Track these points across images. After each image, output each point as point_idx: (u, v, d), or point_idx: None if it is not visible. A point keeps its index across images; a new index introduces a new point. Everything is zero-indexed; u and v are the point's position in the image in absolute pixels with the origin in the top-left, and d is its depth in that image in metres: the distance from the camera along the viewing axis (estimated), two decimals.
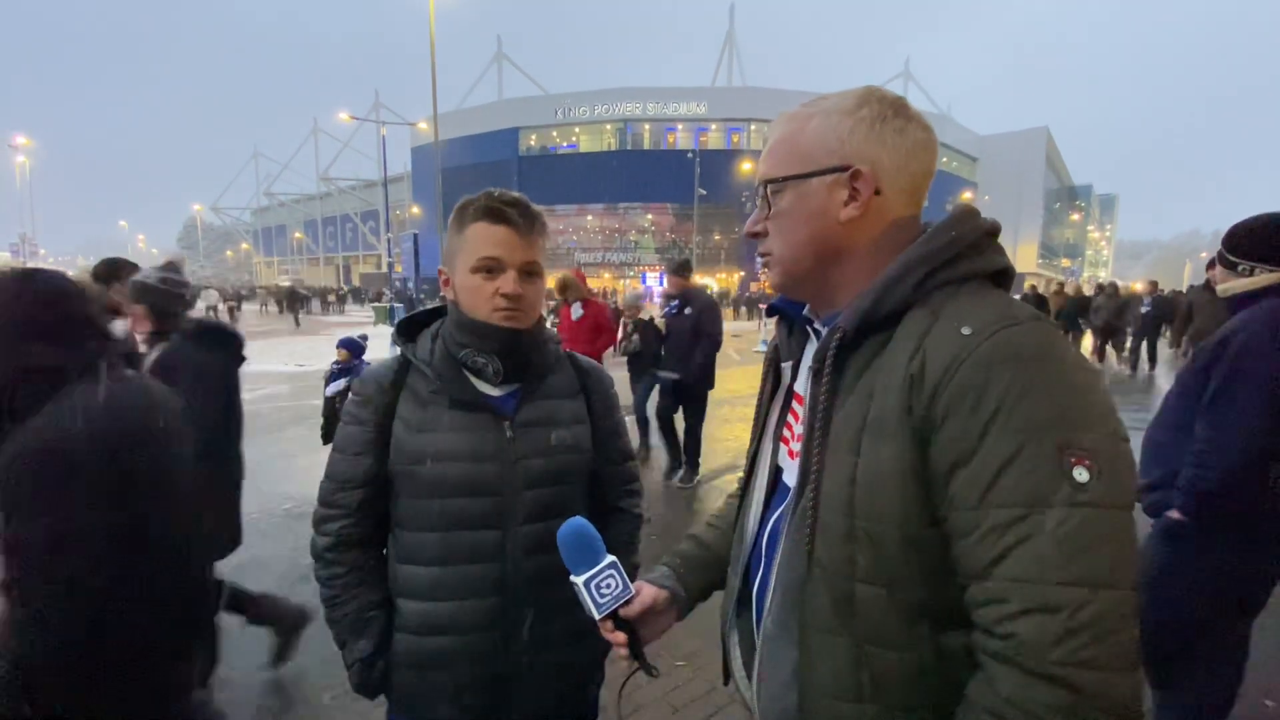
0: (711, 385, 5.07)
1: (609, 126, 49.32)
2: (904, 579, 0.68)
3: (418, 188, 51.94)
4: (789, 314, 0.88)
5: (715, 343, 4.88)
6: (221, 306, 25.70)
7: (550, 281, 4.41)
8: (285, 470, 5.46)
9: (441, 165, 21.83)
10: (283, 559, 3.69)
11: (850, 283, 0.78)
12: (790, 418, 0.86)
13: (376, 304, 25.86)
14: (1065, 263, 79.28)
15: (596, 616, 0.88)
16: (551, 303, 8.45)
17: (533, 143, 50.83)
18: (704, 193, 33.53)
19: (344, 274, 66.66)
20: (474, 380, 1.17)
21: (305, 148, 71.80)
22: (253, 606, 2.60)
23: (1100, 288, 12.80)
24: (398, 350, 1.26)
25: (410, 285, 23.17)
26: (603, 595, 0.88)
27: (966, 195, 47.46)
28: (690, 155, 36.08)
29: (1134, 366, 11.70)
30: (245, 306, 34.69)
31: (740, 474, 0.98)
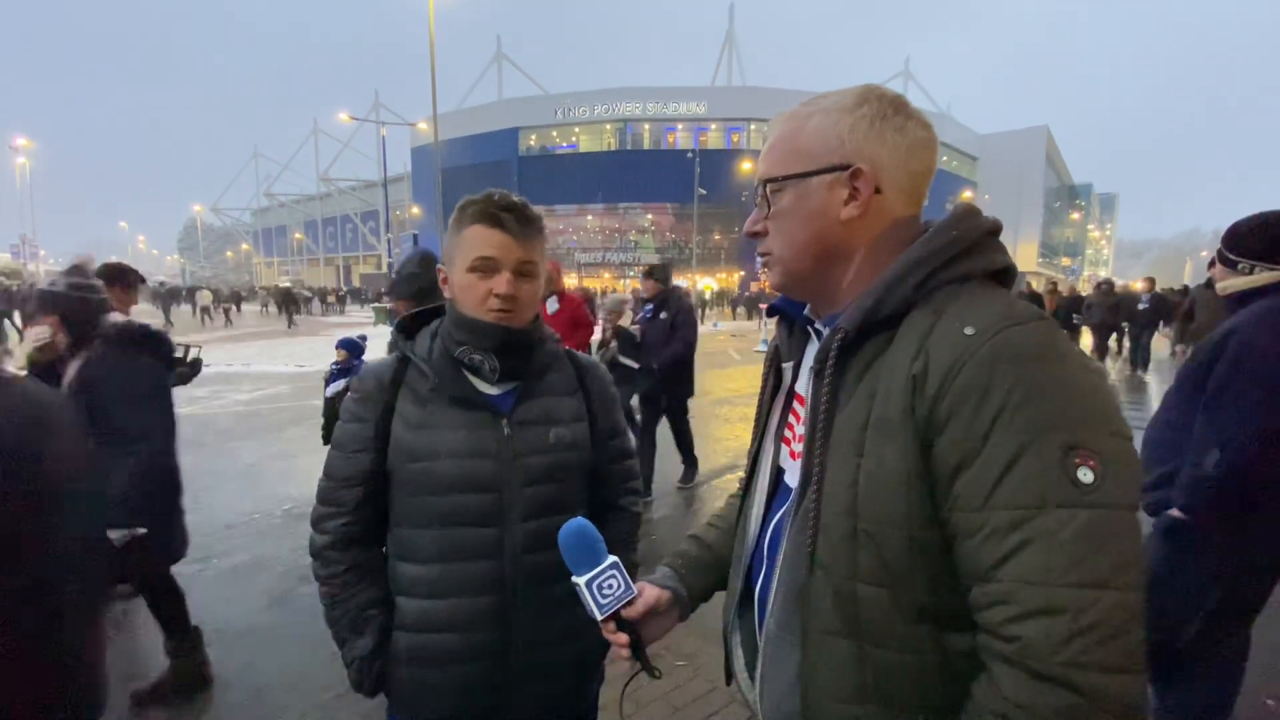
0: (689, 389, 4.95)
1: (609, 126, 49.33)
2: (907, 580, 0.68)
3: (418, 188, 51.94)
4: (790, 314, 0.88)
5: (687, 343, 4.78)
6: (216, 307, 25.43)
7: None
8: (285, 471, 5.47)
9: (441, 165, 21.83)
10: (283, 559, 3.70)
11: (851, 282, 0.77)
12: (792, 418, 0.86)
13: (377, 304, 25.85)
14: (1065, 261, 79.32)
15: (599, 617, 0.88)
16: None
17: (533, 143, 50.84)
18: (704, 192, 33.52)
19: (344, 274, 66.67)
20: (472, 378, 1.18)
21: (305, 148, 71.84)
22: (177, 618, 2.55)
23: (1096, 286, 12.75)
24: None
25: None
26: (605, 596, 0.87)
27: (966, 194, 47.45)
28: (690, 155, 36.07)
29: (1133, 365, 11.62)
30: (245, 308, 34.72)
31: (741, 474, 0.98)
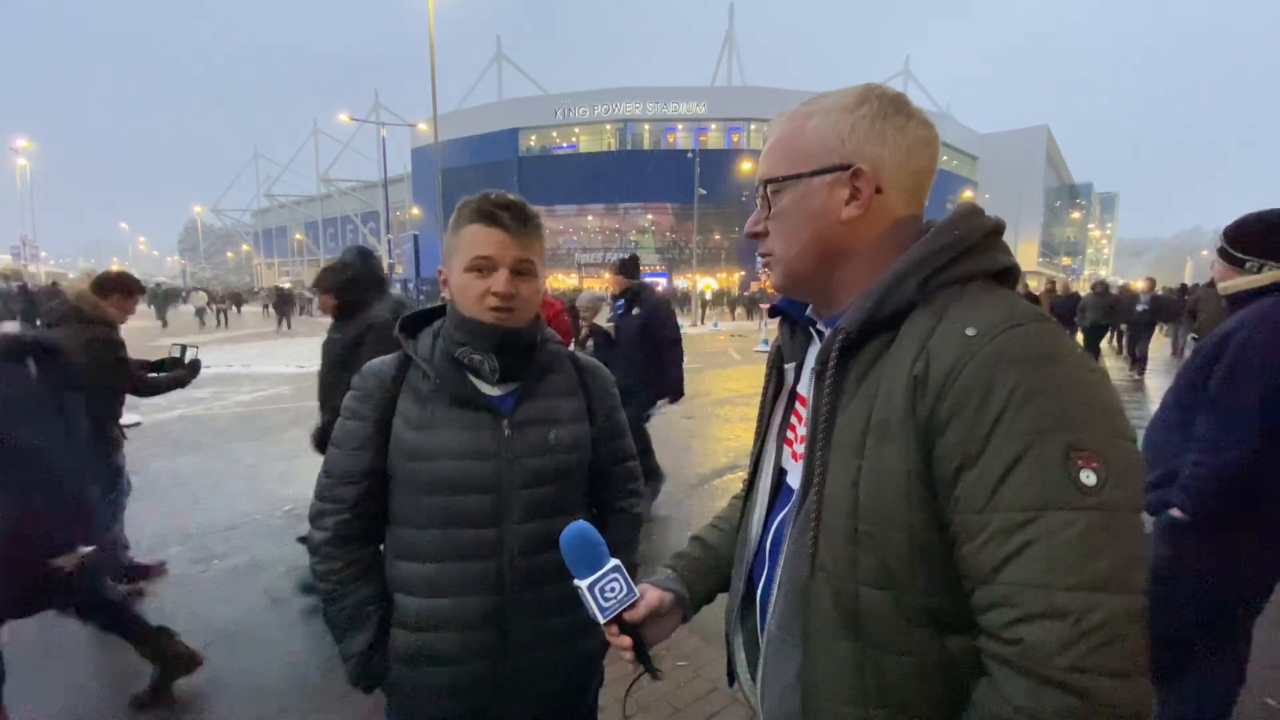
0: (680, 392, 4.54)
1: (609, 126, 49.32)
2: (908, 582, 0.67)
3: (418, 189, 51.93)
4: (791, 315, 0.88)
5: (670, 342, 4.42)
6: (210, 309, 24.90)
7: None
8: (286, 472, 5.46)
9: (441, 166, 21.83)
10: (283, 560, 3.70)
11: (852, 283, 0.77)
12: (794, 419, 0.86)
13: None
14: (1066, 261, 79.30)
15: (601, 620, 0.87)
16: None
17: (533, 143, 50.84)
18: (704, 193, 33.48)
19: None
20: (473, 379, 1.18)
21: (305, 149, 72.10)
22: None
23: (1092, 286, 12.50)
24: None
25: (411, 286, 23.14)
26: (607, 599, 0.87)
27: (967, 194, 47.45)
28: (690, 155, 36.03)
29: (1132, 366, 11.45)
30: (246, 309, 34.71)
31: (742, 475, 0.98)
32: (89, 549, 2.12)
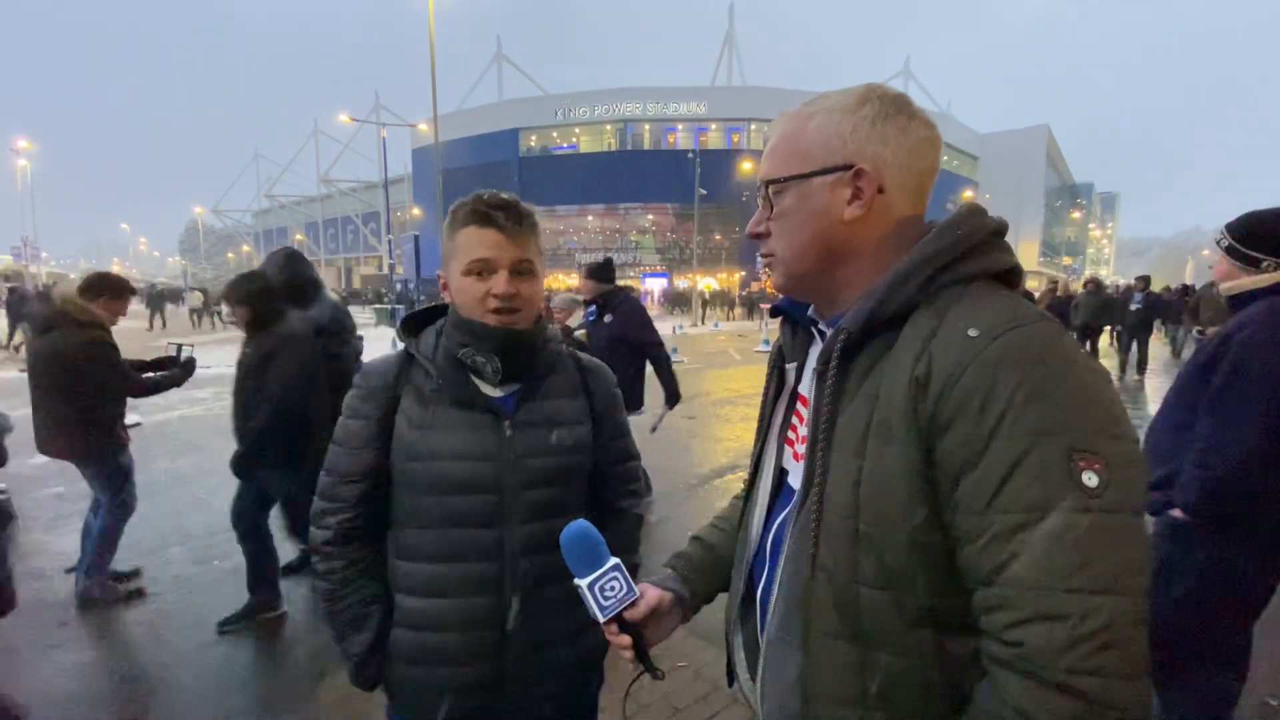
0: (637, 404, 4.09)
1: (609, 127, 49.35)
2: (909, 583, 0.67)
3: (418, 189, 51.97)
4: (793, 315, 0.88)
5: (654, 345, 4.13)
6: (205, 310, 24.34)
7: None
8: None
9: (442, 166, 21.84)
10: (284, 560, 3.69)
11: (854, 283, 0.77)
12: (795, 419, 0.86)
13: (378, 306, 25.78)
14: (1067, 260, 79.26)
15: (601, 619, 0.87)
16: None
17: (533, 143, 50.86)
18: (704, 193, 33.48)
19: (345, 276, 66.75)
20: (475, 379, 1.18)
21: (306, 149, 72.10)
22: None
23: (1087, 283, 12.14)
24: (400, 347, 1.26)
25: (412, 287, 23.13)
26: (607, 598, 0.87)
27: (967, 194, 47.45)
28: (690, 155, 36.03)
29: (1123, 367, 11.18)
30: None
31: (743, 475, 0.98)
32: None
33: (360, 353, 3.52)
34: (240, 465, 2.84)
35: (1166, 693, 1.91)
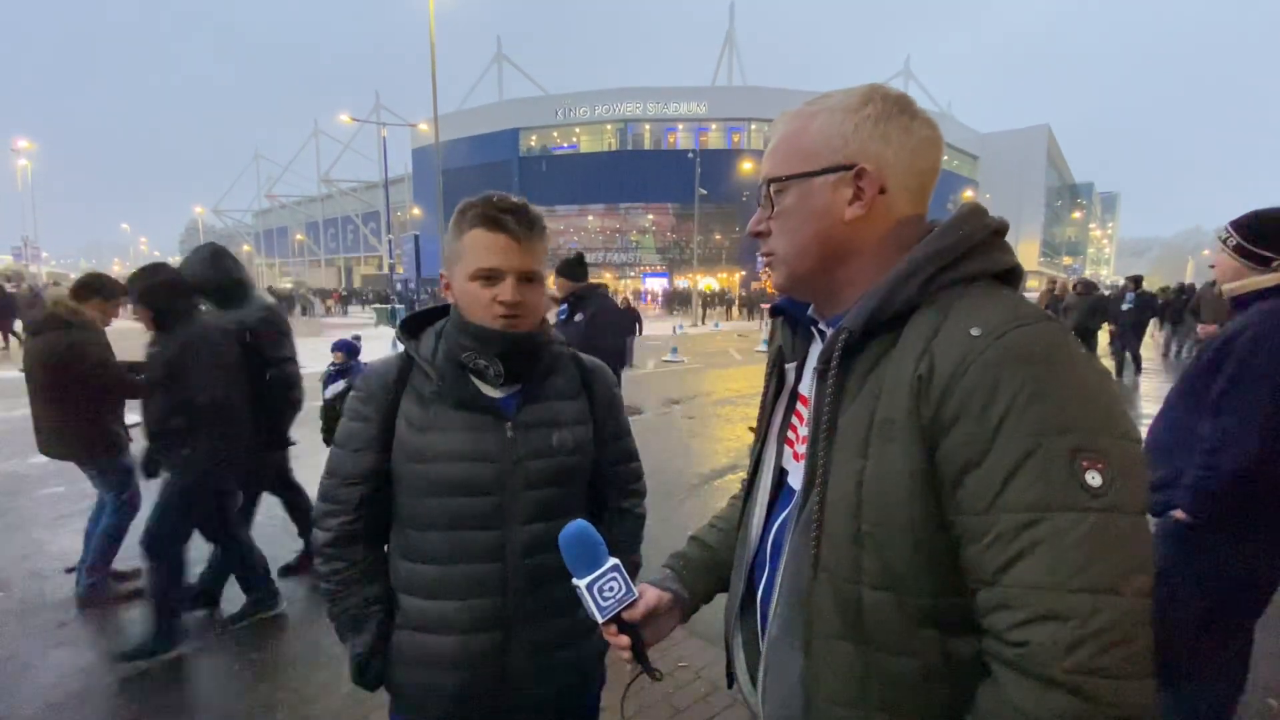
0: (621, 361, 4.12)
1: (609, 126, 49.34)
2: (912, 584, 0.67)
3: (419, 189, 51.98)
4: (793, 314, 0.87)
5: (607, 352, 4.12)
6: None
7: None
8: None
9: (442, 166, 21.80)
10: (282, 560, 3.69)
11: (855, 283, 0.77)
12: (795, 419, 0.85)
13: (379, 305, 25.74)
14: (1067, 260, 79.26)
15: (599, 620, 0.87)
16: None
17: (533, 143, 50.85)
18: (704, 193, 33.46)
19: (346, 276, 66.74)
20: (476, 381, 1.17)
21: (306, 149, 72.06)
22: None
23: (1078, 284, 11.73)
24: (400, 348, 1.26)
25: (412, 286, 23.12)
26: (606, 598, 0.87)
27: (967, 194, 47.40)
28: (691, 155, 36.02)
29: (1119, 369, 10.96)
30: None
31: (743, 475, 0.97)
32: None
33: (293, 357, 3.27)
34: (150, 464, 2.74)
35: (1168, 694, 1.91)
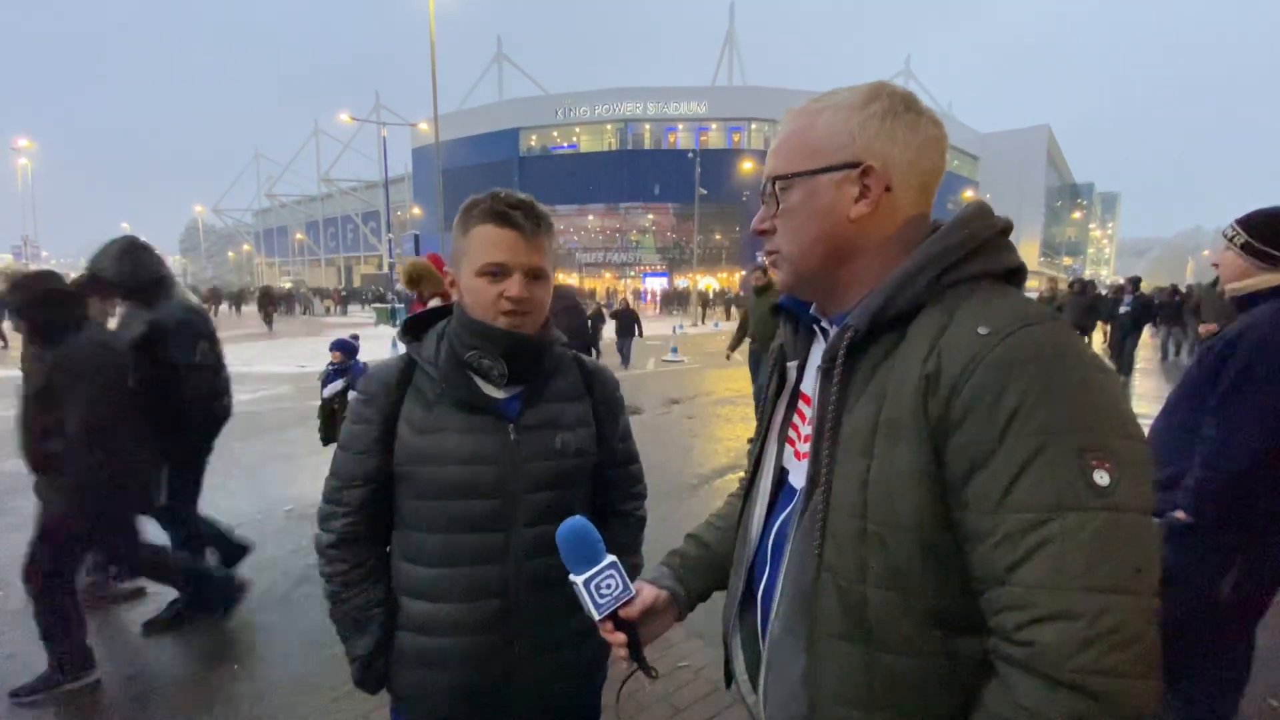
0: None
1: (609, 126, 49.32)
2: (917, 583, 0.67)
3: (419, 188, 51.99)
4: (795, 313, 0.87)
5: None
6: None
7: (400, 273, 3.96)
8: (287, 472, 5.46)
9: (442, 166, 21.82)
10: (282, 560, 3.70)
11: (860, 281, 0.77)
12: (796, 418, 0.85)
13: (379, 305, 25.70)
14: (1067, 261, 79.32)
15: (596, 617, 0.87)
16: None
17: (533, 143, 50.85)
18: (705, 192, 33.45)
19: (346, 275, 66.74)
20: (478, 382, 1.17)
21: (306, 149, 72.13)
22: None
23: (1073, 283, 11.69)
24: (401, 349, 1.26)
25: None
26: (603, 596, 0.87)
27: (968, 194, 47.38)
28: (691, 155, 36.01)
29: (1117, 369, 11.02)
30: (245, 309, 34.60)
31: (742, 475, 0.97)
32: None
33: (217, 361, 3.06)
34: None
35: (1167, 693, 1.91)
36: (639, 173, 47.34)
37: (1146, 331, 12.75)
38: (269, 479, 5.30)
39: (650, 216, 49.43)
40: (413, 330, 1.24)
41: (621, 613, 0.88)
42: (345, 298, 40.74)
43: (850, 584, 0.70)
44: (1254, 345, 1.63)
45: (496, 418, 1.16)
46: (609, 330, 13.09)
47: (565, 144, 50.73)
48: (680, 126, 48.52)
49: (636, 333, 12.31)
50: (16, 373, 2.59)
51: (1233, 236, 1.78)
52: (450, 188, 20.91)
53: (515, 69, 56.80)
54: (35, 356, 2.42)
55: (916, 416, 0.65)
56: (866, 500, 0.68)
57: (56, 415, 2.35)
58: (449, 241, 1.24)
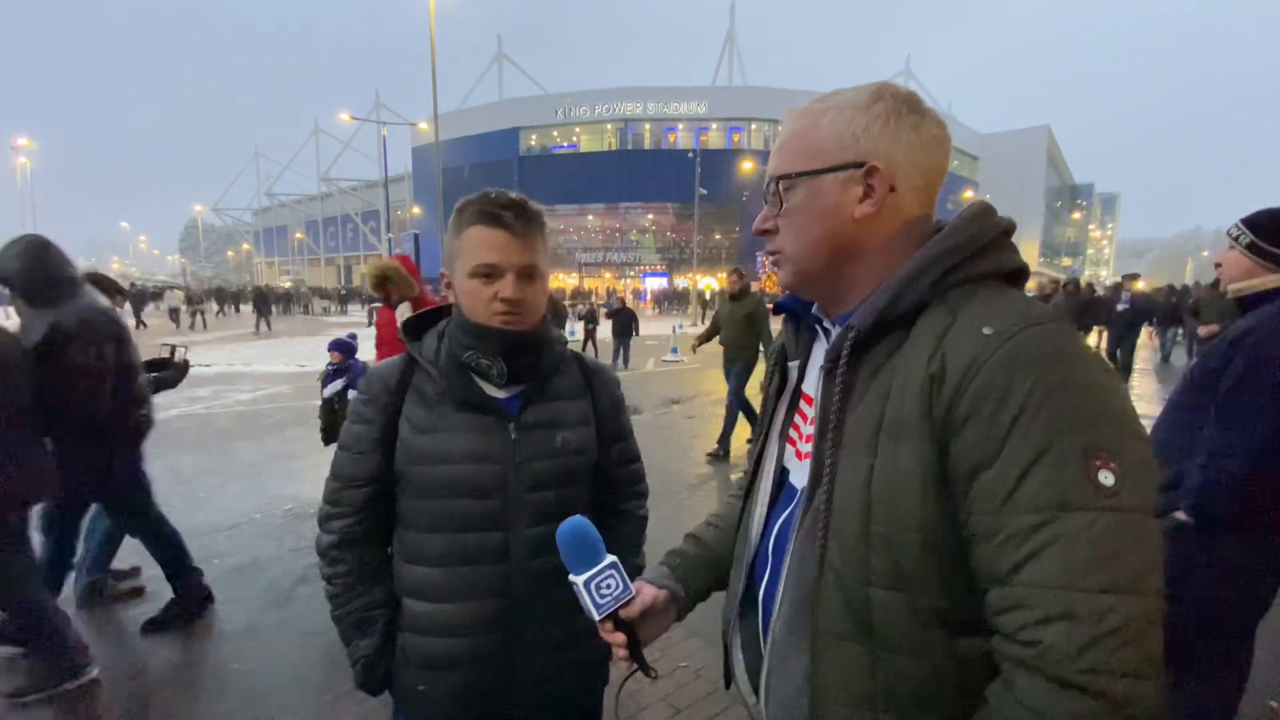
0: None
1: (609, 126, 49.34)
2: (921, 583, 0.67)
3: (418, 188, 51.96)
4: (797, 313, 0.87)
5: None
6: (185, 309, 22.33)
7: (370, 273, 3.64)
8: (287, 471, 5.46)
9: (442, 165, 21.82)
10: (282, 559, 3.70)
11: (863, 281, 0.77)
12: (798, 418, 0.85)
13: (376, 304, 25.58)
14: (1067, 261, 79.30)
15: (596, 617, 0.87)
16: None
17: (533, 143, 50.85)
18: (704, 192, 33.45)
19: (345, 274, 66.72)
20: (479, 381, 1.17)
21: (306, 148, 72.19)
22: None
23: (1065, 284, 11.42)
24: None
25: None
26: (603, 596, 0.87)
27: (967, 194, 47.44)
28: (691, 155, 36.02)
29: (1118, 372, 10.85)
30: (244, 308, 34.54)
31: (742, 474, 0.97)
32: None
33: (129, 366, 2.83)
34: None
35: (1169, 694, 1.91)
36: (639, 172, 47.34)
37: (1145, 332, 12.64)
38: (269, 478, 5.30)
39: (650, 216, 49.44)
40: (413, 330, 1.24)
41: (621, 613, 0.88)
42: (345, 297, 40.71)
43: (853, 584, 0.70)
44: (1257, 346, 1.62)
45: (497, 417, 1.16)
46: (604, 330, 13.06)
47: (565, 144, 50.73)
48: (680, 126, 48.53)
49: (634, 332, 12.28)
50: None
51: (1238, 236, 1.78)
52: (450, 187, 20.90)
53: (515, 69, 56.89)
54: None
55: (921, 416, 0.65)
56: (870, 500, 0.68)
57: None
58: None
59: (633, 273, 49.68)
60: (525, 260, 1.12)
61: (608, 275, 48.30)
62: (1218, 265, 1.88)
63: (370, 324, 18.31)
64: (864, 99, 0.75)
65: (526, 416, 1.17)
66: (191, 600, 3.07)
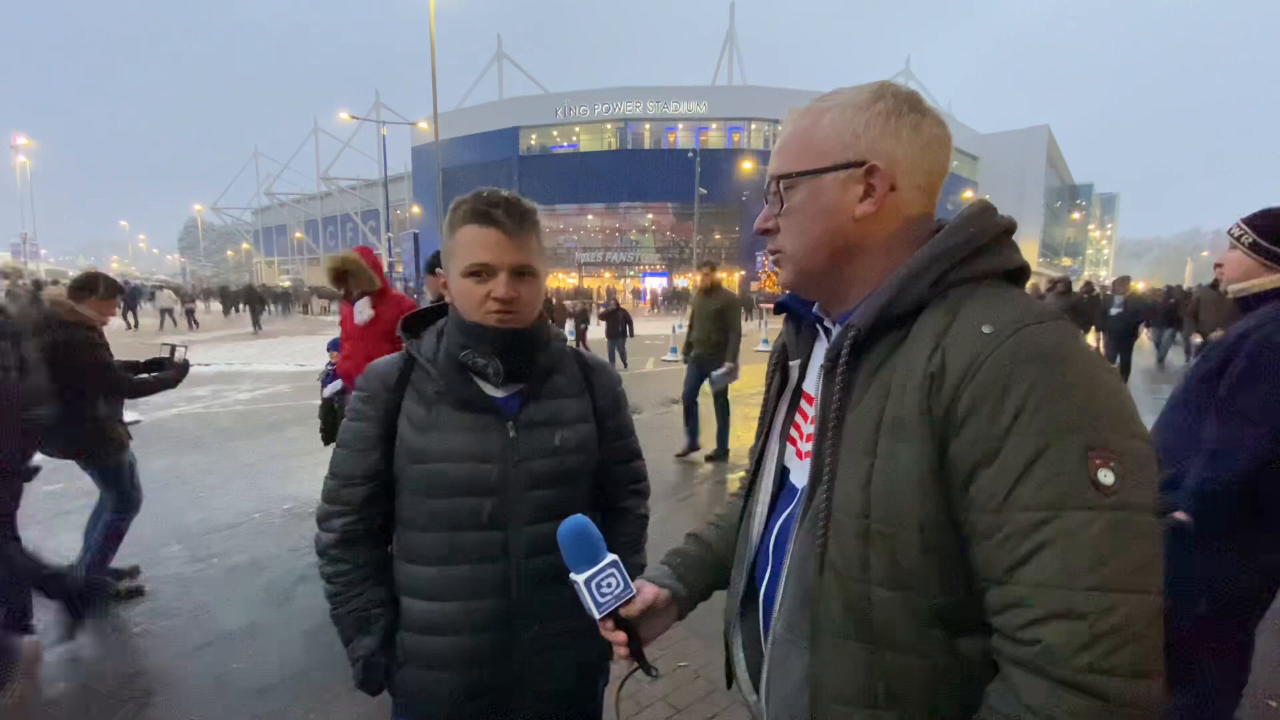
0: None
1: (609, 126, 49.35)
2: (921, 582, 0.67)
3: (418, 187, 51.95)
4: (798, 312, 0.87)
5: None
6: (179, 309, 22.11)
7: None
8: (286, 470, 5.46)
9: (442, 165, 21.81)
10: (282, 559, 3.70)
11: (863, 280, 0.77)
12: (799, 417, 0.85)
13: None
14: (1066, 261, 79.31)
15: (596, 616, 0.87)
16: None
17: (533, 142, 50.86)
18: (704, 192, 33.46)
19: None
20: (477, 381, 1.17)
21: (306, 147, 72.05)
22: None
23: (1055, 283, 10.71)
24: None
25: (411, 285, 23.10)
26: (603, 594, 0.87)
27: (967, 194, 47.42)
28: (691, 155, 36.02)
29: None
30: (244, 308, 34.48)
31: (743, 474, 0.97)
32: None
33: (18, 364, 2.62)
34: None
35: (1169, 693, 1.90)
36: (638, 172, 47.34)
37: (1144, 334, 12.52)
38: (268, 477, 5.30)
39: (649, 216, 49.44)
40: (411, 328, 1.24)
41: (622, 611, 0.88)
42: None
43: (854, 583, 0.70)
44: (1257, 346, 1.62)
45: (495, 416, 1.15)
46: (597, 331, 12.96)
47: (565, 143, 50.76)
48: (680, 126, 48.54)
49: (628, 333, 12.17)
50: None
51: (1240, 235, 1.78)
52: (450, 186, 20.82)
53: (515, 68, 56.88)
54: None
55: (920, 415, 0.65)
56: (870, 499, 0.68)
57: None
58: None
59: (632, 272, 49.70)
60: (518, 259, 1.12)
61: (607, 275, 48.31)
62: (1218, 265, 1.88)
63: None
64: (865, 98, 0.75)
65: (525, 415, 1.17)
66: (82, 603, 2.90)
